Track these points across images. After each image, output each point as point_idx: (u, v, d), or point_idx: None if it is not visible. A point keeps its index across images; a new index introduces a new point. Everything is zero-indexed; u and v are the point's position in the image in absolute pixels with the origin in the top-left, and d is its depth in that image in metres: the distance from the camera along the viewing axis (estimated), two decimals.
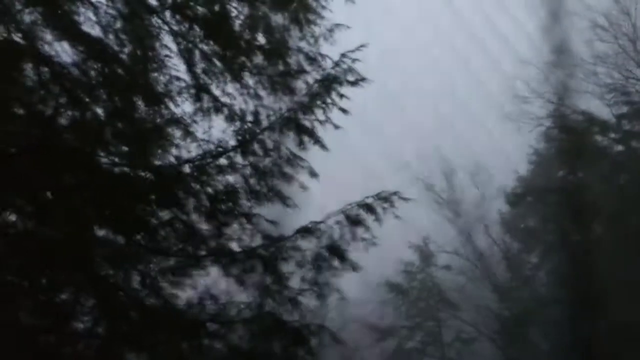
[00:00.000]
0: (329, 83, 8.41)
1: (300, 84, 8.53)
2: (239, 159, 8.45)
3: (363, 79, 8.44)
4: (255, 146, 8.50)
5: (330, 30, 8.60)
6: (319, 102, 8.38)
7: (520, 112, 26.19)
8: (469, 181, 29.20)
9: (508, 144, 28.57)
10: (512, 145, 27.99)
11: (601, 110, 24.40)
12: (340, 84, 8.40)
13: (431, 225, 28.25)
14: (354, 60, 8.44)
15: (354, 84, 8.46)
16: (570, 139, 24.27)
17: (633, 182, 23.51)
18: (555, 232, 25.58)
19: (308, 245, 8.33)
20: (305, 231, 8.31)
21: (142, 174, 7.85)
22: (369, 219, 8.37)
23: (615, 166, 23.64)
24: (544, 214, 25.68)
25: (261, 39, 8.43)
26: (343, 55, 8.46)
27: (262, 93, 8.58)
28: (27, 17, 7.10)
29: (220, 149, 8.39)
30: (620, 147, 24.33)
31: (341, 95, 8.39)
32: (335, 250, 8.28)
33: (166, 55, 8.03)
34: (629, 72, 24.60)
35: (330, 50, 8.62)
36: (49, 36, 7.10)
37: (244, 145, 8.44)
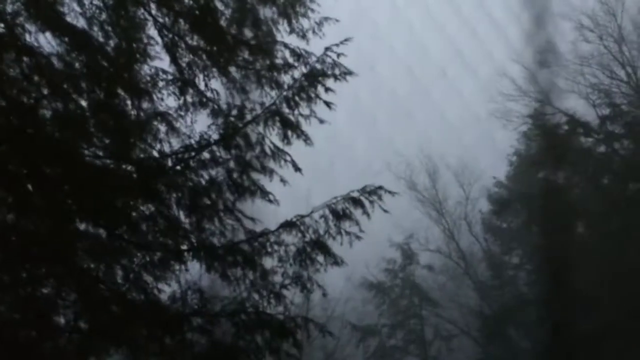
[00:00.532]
0: (313, 77, 8.38)
1: (287, 79, 8.50)
2: (222, 152, 8.40)
3: (348, 73, 8.43)
4: (239, 140, 8.45)
5: (319, 24, 8.57)
6: (303, 96, 8.35)
7: (506, 109, 26.37)
8: (452, 180, 29.35)
9: (492, 142, 28.77)
10: (497, 143, 28.17)
11: (587, 110, 24.57)
12: (326, 77, 8.38)
13: (414, 224, 28.36)
14: (339, 54, 8.43)
15: (338, 77, 8.45)
16: (552, 140, 24.43)
17: (615, 183, 23.75)
18: (537, 233, 25.77)
19: (292, 239, 8.30)
20: (290, 225, 8.28)
21: (125, 167, 7.79)
22: (355, 212, 8.34)
23: (598, 167, 23.84)
24: (526, 214, 25.86)
25: (248, 33, 8.39)
26: (327, 49, 8.44)
27: (248, 87, 8.54)
28: (9, 7, 7.02)
29: (203, 143, 8.34)
30: (603, 148, 24.54)
31: (326, 89, 8.36)
32: (320, 245, 8.25)
33: (151, 46, 7.97)
34: (614, 73, 24.81)
35: (319, 43, 8.60)
36: (31, 26, 7.02)
37: (227, 138, 8.39)
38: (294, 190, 8.79)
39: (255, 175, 8.50)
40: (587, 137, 24.01)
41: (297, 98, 8.36)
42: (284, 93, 8.42)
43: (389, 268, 28.70)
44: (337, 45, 8.40)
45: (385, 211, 8.42)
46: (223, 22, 8.18)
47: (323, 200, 8.47)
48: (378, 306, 28.17)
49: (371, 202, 8.35)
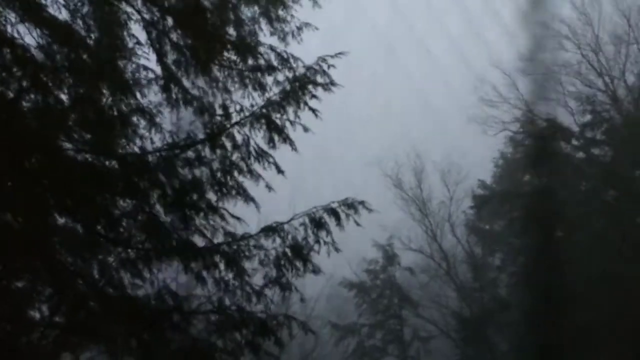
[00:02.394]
0: (302, 83, 8.41)
1: (270, 81, 8.52)
2: (207, 152, 8.39)
3: (335, 84, 8.49)
4: (224, 140, 8.45)
5: (299, 29, 8.60)
6: (291, 101, 8.38)
7: (486, 115, 26.62)
8: (437, 180, 29.51)
9: (475, 146, 28.94)
10: (479, 147, 28.35)
11: (564, 117, 24.93)
12: (315, 85, 8.41)
13: (398, 223, 28.46)
14: (329, 66, 8.47)
15: (326, 87, 8.50)
16: (535, 145, 24.68)
17: (594, 188, 24.04)
18: (518, 235, 25.99)
19: (272, 244, 8.35)
20: (270, 230, 8.31)
21: (106, 162, 7.74)
22: (331, 223, 8.45)
23: (577, 172, 24.13)
24: (508, 217, 26.08)
25: (232, 32, 8.38)
26: (322, 59, 8.49)
27: (232, 88, 8.54)
28: None
29: (188, 141, 8.32)
30: (582, 154, 24.86)
31: (312, 96, 8.40)
32: (298, 252, 8.31)
33: (136, 43, 7.92)
34: (591, 81, 25.17)
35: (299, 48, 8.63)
36: (12, 17, 6.93)
37: (213, 138, 8.38)
38: (280, 184, 8.81)
39: (240, 178, 8.51)
40: (567, 143, 24.31)
41: (284, 102, 8.38)
42: (273, 97, 8.45)
43: (370, 268, 28.76)
44: (331, 56, 8.46)
45: (358, 225, 8.58)
46: (209, 20, 8.14)
47: (309, 196, 8.53)
48: (358, 306, 28.22)
49: (347, 215, 8.46)
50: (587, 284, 21.24)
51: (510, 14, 24.87)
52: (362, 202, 8.58)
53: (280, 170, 8.49)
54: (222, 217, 8.33)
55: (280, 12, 8.45)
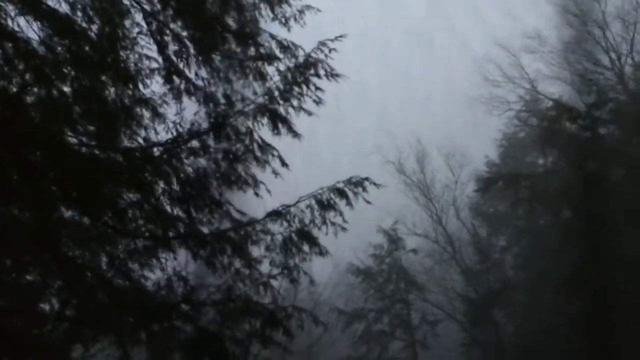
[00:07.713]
0: (305, 69, 8.33)
1: (271, 70, 8.46)
2: (211, 142, 8.36)
3: (338, 75, 8.42)
4: (228, 130, 8.41)
5: (301, 12, 8.51)
6: (295, 91, 8.32)
7: (491, 95, 26.47)
8: (440, 164, 29.47)
9: (479, 127, 28.87)
10: (483, 128, 28.28)
11: (571, 96, 24.69)
12: (318, 76, 8.33)
13: (402, 209, 28.48)
14: (331, 50, 8.39)
15: (330, 77, 8.42)
16: (540, 125, 24.56)
17: (600, 168, 23.91)
18: (523, 217, 25.95)
19: (279, 228, 8.33)
20: (276, 214, 8.29)
21: (111, 154, 7.72)
22: (340, 203, 8.39)
23: (582, 152, 23.97)
24: (513, 199, 26.01)
25: (231, 22, 8.31)
26: (322, 43, 8.40)
27: (233, 77, 8.49)
28: None
29: (192, 132, 8.29)
30: (588, 134, 24.67)
31: (317, 88, 8.34)
32: (305, 235, 8.28)
33: (139, 33, 7.86)
34: (598, 60, 24.86)
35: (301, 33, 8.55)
36: (12, 11, 6.88)
37: (217, 128, 8.34)
38: (283, 183, 8.78)
39: (245, 166, 8.48)
40: (573, 123, 24.14)
41: (289, 92, 8.32)
42: (276, 85, 8.38)
43: (375, 253, 28.79)
44: (331, 40, 8.37)
45: (368, 202, 8.54)
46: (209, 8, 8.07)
47: (313, 183, 8.54)
48: (365, 291, 28.27)
49: (355, 193, 8.38)
50: (593, 265, 21.20)
51: None
52: (366, 179, 8.51)
53: (284, 163, 8.46)
54: (227, 213, 8.31)
55: None
